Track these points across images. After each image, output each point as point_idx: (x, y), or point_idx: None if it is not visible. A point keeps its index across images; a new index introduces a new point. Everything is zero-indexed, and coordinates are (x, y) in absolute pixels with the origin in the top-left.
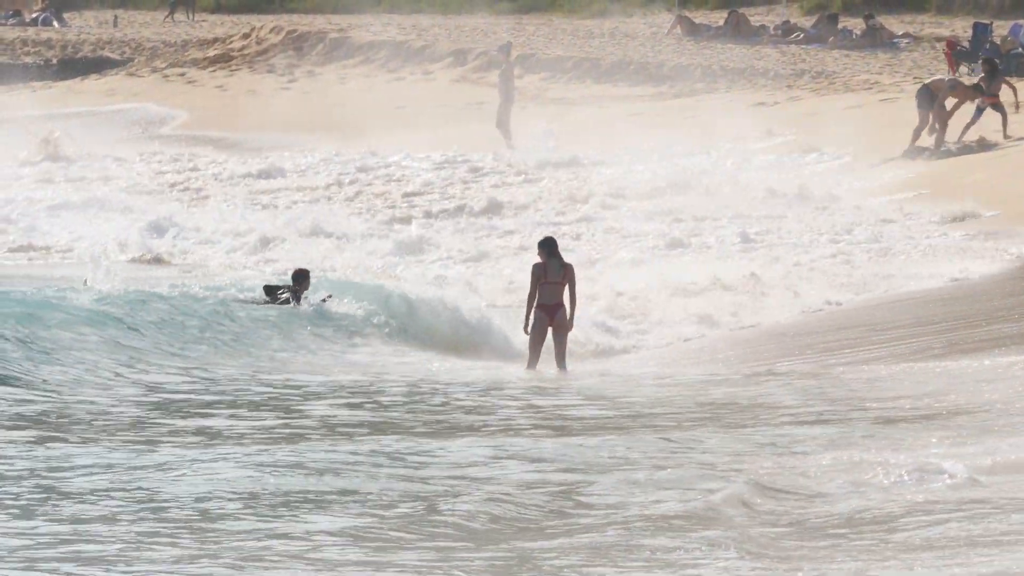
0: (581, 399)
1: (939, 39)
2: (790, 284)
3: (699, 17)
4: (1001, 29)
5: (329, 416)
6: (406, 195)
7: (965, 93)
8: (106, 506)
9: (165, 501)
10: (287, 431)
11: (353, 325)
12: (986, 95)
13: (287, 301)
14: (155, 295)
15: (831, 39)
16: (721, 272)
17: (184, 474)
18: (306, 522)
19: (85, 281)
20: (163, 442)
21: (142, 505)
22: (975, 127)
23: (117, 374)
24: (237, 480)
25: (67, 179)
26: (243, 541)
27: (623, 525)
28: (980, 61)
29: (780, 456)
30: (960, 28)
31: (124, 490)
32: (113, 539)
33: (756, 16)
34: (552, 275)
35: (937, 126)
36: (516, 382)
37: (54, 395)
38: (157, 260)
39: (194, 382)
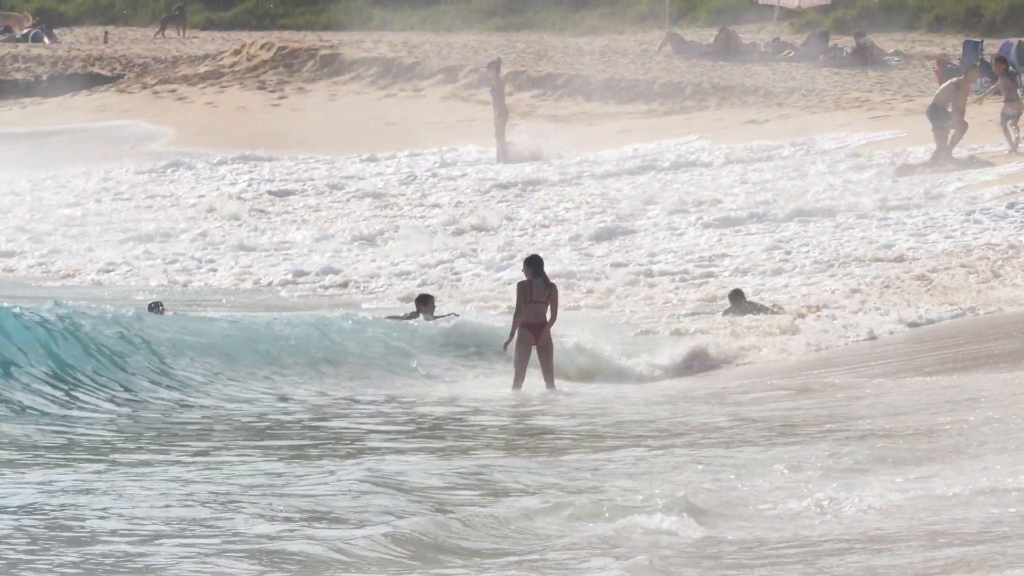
0: (546, 418)
1: (929, 57)
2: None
3: (689, 35)
4: (992, 47)
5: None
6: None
7: (968, 80)
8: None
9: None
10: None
11: (443, 344)
12: (1006, 100)
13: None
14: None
15: (821, 57)
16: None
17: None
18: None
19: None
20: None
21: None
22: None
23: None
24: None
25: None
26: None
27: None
28: (993, 60)
29: (705, 479)
30: (951, 46)
31: None
32: None
33: (746, 33)
34: (537, 294)
35: (937, 138)
36: (498, 401)
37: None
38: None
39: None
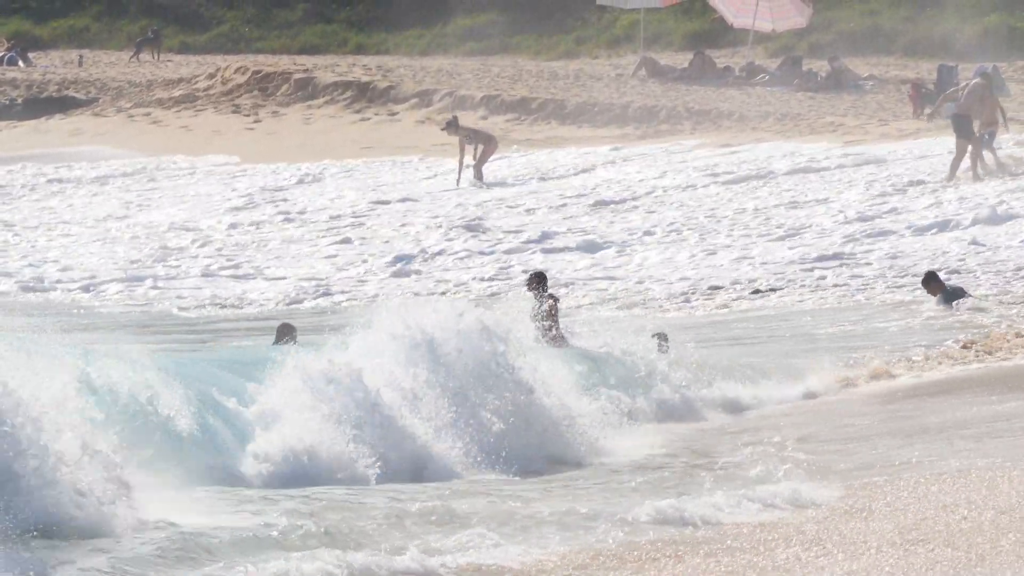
0: None
1: (904, 81)
2: None
3: (664, 59)
4: (967, 71)
5: None
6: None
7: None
8: None
9: None
10: None
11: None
12: (985, 122)
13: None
14: None
15: (796, 81)
16: None
17: None
18: None
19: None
20: None
21: None
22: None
23: None
24: None
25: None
26: None
27: None
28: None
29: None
30: (925, 71)
31: None
32: None
33: (721, 58)
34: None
35: (972, 144)
36: None
37: None
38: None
39: None
